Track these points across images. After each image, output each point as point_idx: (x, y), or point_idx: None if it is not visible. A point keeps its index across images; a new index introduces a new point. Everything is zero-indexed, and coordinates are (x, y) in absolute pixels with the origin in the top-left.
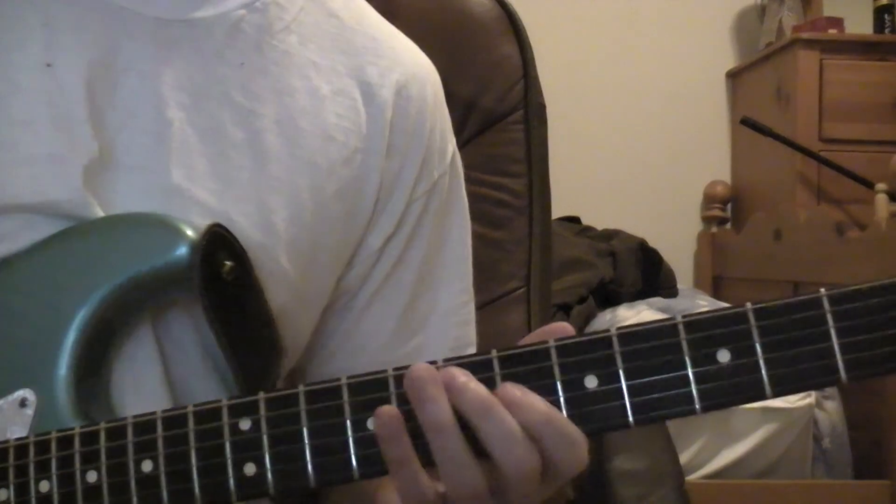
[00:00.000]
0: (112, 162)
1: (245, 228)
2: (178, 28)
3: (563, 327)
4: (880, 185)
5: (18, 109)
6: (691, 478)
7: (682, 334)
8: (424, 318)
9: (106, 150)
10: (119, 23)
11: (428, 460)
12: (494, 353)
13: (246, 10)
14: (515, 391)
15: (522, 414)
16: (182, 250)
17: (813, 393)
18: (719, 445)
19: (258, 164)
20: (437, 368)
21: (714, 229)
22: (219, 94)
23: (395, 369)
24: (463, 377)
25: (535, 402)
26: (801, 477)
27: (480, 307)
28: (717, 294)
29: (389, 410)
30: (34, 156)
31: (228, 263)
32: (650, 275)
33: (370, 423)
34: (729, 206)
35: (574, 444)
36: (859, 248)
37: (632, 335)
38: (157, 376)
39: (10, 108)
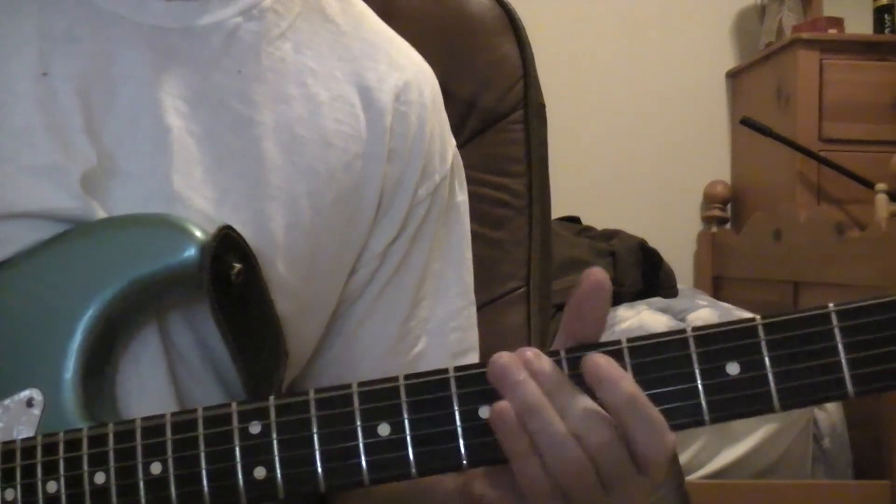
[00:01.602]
0: (113, 170)
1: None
2: (175, 36)
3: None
4: (880, 185)
5: (15, 119)
6: (691, 478)
7: (693, 347)
8: (424, 324)
9: (105, 157)
10: (116, 31)
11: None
12: None
13: (243, 18)
14: (602, 361)
15: (606, 392)
16: (191, 251)
17: None
18: (719, 445)
19: (256, 172)
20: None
21: (714, 229)
22: (216, 102)
23: (407, 377)
24: (535, 360)
25: (621, 380)
26: (801, 477)
27: (480, 307)
28: (717, 294)
29: (506, 406)
30: (32, 166)
31: (237, 266)
32: (650, 275)
33: (381, 429)
34: (729, 206)
35: (657, 428)
36: (859, 248)
37: (642, 347)
38: (162, 377)
39: (6, 117)
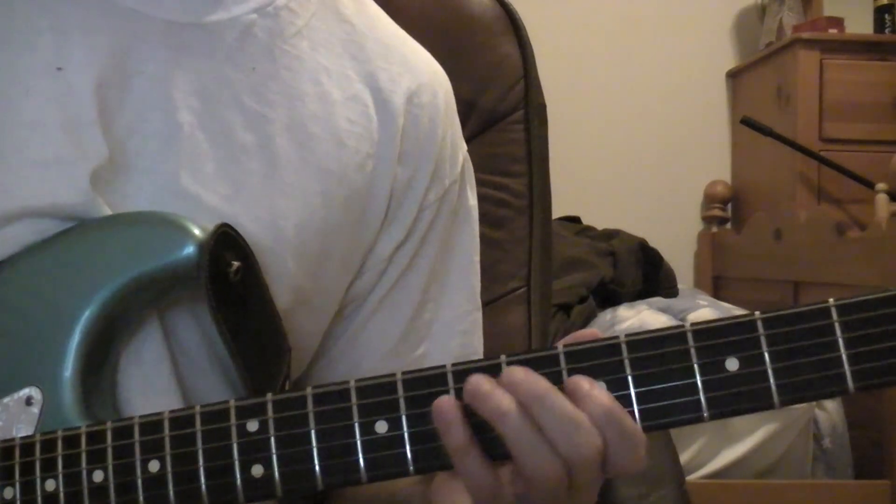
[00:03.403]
0: (122, 165)
1: (254, 233)
2: (189, 32)
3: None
4: (880, 185)
5: (28, 112)
6: (691, 478)
7: (691, 342)
8: (429, 327)
9: (116, 153)
10: (130, 26)
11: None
12: (503, 357)
13: (258, 15)
14: (583, 383)
15: (587, 406)
16: (190, 249)
17: None
18: (719, 445)
19: (269, 169)
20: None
21: (714, 229)
22: (229, 99)
23: (404, 373)
24: (521, 373)
25: (600, 395)
26: (801, 477)
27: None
28: (717, 294)
29: (446, 400)
30: (43, 159)
31: (235, 263)
32: (650, 275)
33: (378, 427)
34: (729, 205)
35: (635, 442)
36: (859, 248)
37: (641, 342)
38: (166, 376)
39: (19, 110)
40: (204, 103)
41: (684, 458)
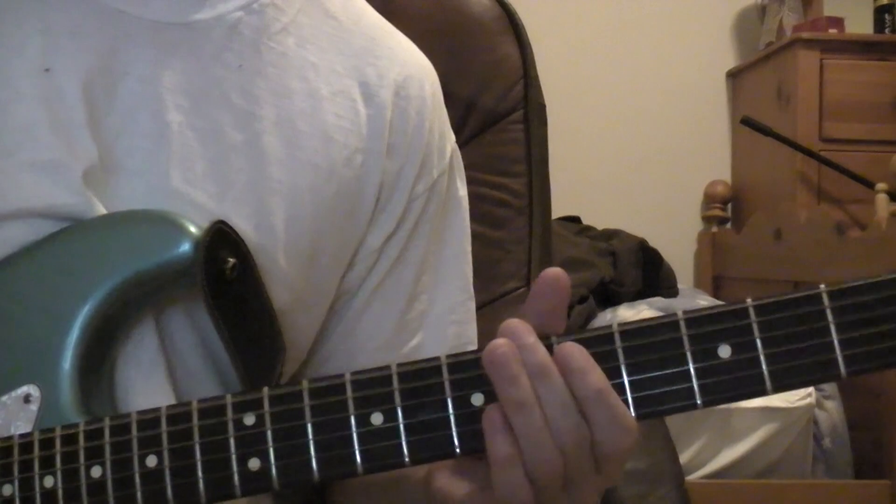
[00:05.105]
0: (112, 166)
1: (244, 231)
2: (176, 31)
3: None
4: (880, 185)
5: (18, 115)
6: (691, 478)
7: (684, 330)
8: (422, 318)
9: (106, 154)
10: (117, 27)
11: None
12: None
13: (243, 13)
14: (575, 351)
15: (576, 382)
16: (185, 247)
17: (813, 392)
18: (719, 445)
19: (257, 166)
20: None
21: (714, 229)
22: (217, 97)
23: (399, 365)
24: (531, 338)
25: (590, 372)
26: (801, 477)
27: (480, 307)
28: (717, 294)
29: (496, 408)
30: (35, 162)
31: (231, 260)
32: (650, 274)
33: (374, 419)
34: (729, 205)
35: (620, 423)
36: (859, 248)
37: (633, 331)
38: (161, 375)
39: (9, 114)
40: (192, 102)
41: (684, 458)
